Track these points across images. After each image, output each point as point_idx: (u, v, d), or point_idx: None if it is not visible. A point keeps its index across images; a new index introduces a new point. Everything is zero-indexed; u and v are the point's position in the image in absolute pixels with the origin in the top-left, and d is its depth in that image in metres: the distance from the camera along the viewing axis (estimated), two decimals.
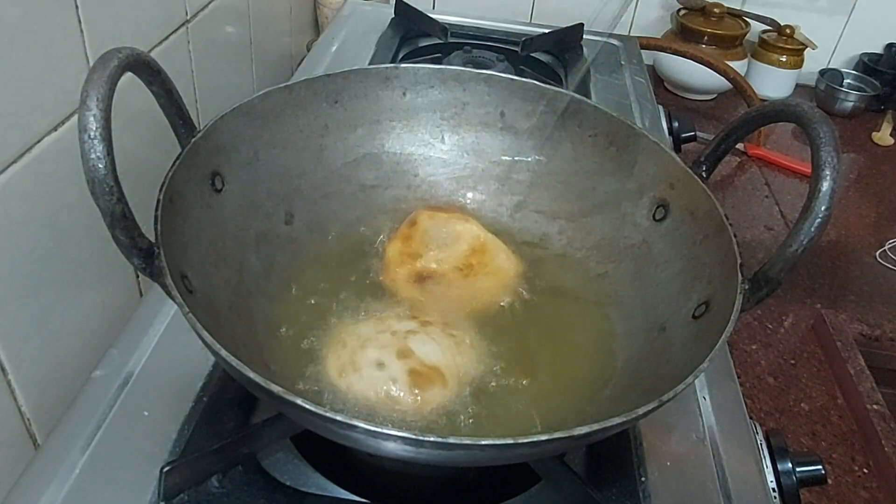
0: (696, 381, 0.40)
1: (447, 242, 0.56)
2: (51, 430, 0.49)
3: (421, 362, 0.47)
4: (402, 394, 0.45)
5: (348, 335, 0.49)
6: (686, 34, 1.32)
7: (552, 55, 1.08)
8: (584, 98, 0.60)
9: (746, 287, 0.44)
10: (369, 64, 0.97)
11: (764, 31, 1.36)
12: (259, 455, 0.48)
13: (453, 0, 1.35)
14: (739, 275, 0.44)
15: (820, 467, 0.55)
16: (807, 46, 1.34)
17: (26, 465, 0.47)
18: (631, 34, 1.26)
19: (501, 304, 0.55)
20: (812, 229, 0.40)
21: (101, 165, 0.35)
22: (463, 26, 1.10)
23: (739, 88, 1.22)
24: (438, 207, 0.60)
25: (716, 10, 1.31)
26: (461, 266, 0.55)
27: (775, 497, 0.53)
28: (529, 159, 0.63)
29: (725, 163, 1.15)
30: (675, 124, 0.97)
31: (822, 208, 0.40)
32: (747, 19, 1.34)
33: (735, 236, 0.47)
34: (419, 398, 0.45)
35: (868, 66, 1.37)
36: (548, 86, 0.60)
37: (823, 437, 0.74)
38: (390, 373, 0.46)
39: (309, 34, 1.26)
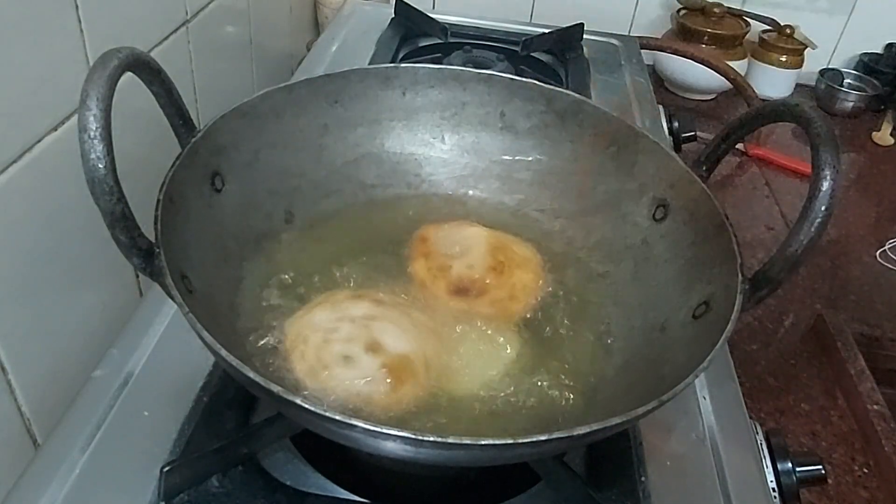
0: (696, 381, 0.40)
1: (467, 248, 0.56)
2: (51, 430, 0.49)
3: (390, 354, 0.46)
4: (380, 391, 0.44)
5: (306, 327, 0.48)
6: (686, 34, 1.32)
7: (552, 55, 1.08)
8: (585, 98, 0.60)
9: (747, 287, 0.44)
10: (369, 64, 0.97)
11: (764, 31, 1.36)
12: (259, 455, 0.48)
13: (453, 0, 1.35)
14: (740, 275, 0.44)
15: (820, 467, 0.55)
16: (807, 46, 1.34)
17: (26, 465, 0.47)
18: (631, 34, 1.26)
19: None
20: (812, 229, 0.40)
21: (101, 165, 0.35)
22: (463, 26, 1.10)
23: (739, 88, 1.22)
24: (438, 220, 0.59)
25: (716, 10, 1.31)
26: (494, 265, 0.55)
27: (775, 497, 0.53)
28: (530, 159, 0.63)
29: (725, 163, 1.15)
30: (675, 124, 0.97)
31: (822, 208, 0.40)
32: (747, 19, 1.34)
33: (735, 236, 0.47)
34: (397, 393, 0.45)
35: (868, 65, 1.37)
36: (548, 86, 0.60)
37: (823, 437, 0.74)
38: (363, 370, 0.45)
39: (309, 34, 1.26)
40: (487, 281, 0.54)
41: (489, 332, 0.51)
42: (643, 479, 0.50)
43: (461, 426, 0.45)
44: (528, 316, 0.54)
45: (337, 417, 0.34)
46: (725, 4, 1.32)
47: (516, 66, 1.01)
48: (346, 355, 0.46)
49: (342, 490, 0.48)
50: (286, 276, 0.54)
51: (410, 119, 0.62)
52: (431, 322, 0.51)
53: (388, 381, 0.45)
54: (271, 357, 0.48)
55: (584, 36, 1.10)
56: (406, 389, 0.45)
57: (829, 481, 0.69)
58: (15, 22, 0.47)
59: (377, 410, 0.44)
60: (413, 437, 0.33)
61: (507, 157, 0.63)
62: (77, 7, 0.54)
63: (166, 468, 0.44)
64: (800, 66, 1.36)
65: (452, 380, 0.48)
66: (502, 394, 0.48)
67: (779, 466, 0.54)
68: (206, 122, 0.49)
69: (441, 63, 0.97)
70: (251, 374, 0.35)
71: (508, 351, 0.51)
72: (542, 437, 0.34)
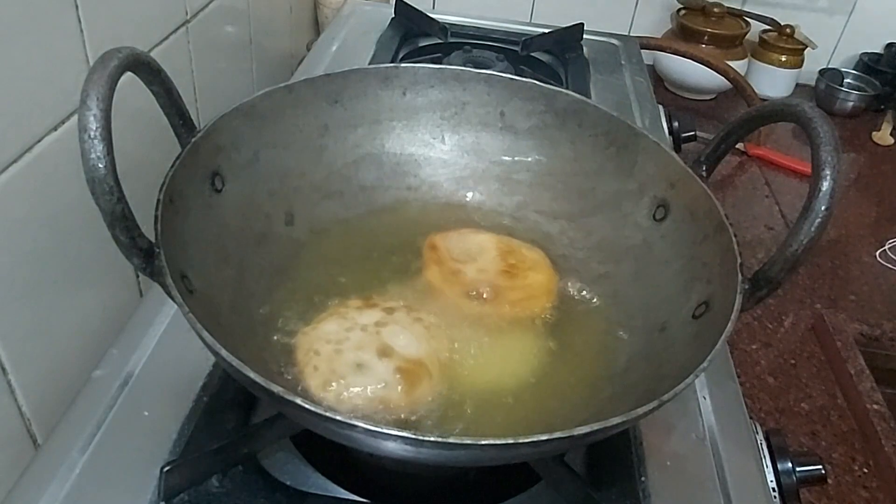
0: (696, 381, 0.40)
1: (477, 253, 0.56)
2: (51, 430, 0.49)
3: (403, 358, 0.46)
4: (395, 395, 0.45)
5: (316, 340, 0.48)
6: (686, 34, 1.32)
7: (552, 55, 1.08)
8: (585, 98, 0.60)
9: (746, 287, 0.44)
10: (369, 64, 0.97)
11: (764, 31, 1.36)
12: (259, 455, 0.48)
13: (453, 0, 1.35)
14: (739, 274, 0.44)
15: (820, 467, 0.55)
16: (807, 46, 1.34)
17: (26, 465, 0.47)
18: (631, 34, 1.26)
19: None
20: (812, 229, 0.40)
21: (101, 165, 0.35)
22: (463, 26, 1.10)
23: (739, 88, 1.22)
24: (444, 229, 0.60)
25: (716, 9, 1.31)
26: (506, 268, 0.55)
27: (775, 497, 0.53)
28: (529, 159, 0.62)
29: (725, 163, 1.15)
30: (675, 124, 0.97)
31: (822, 208, 0.40)
32: (747, 19, 1.34)
33: (735, 236, 0.47)
34: (412, 396, 0.45)
35: (868, 65, 1.37)
36: (548, 86, 0.60)
37: (823, 437, 0.74)
38: (378, 375, 0.45)
39: (309, 34, 1.26)
40: (503, 284, 0.54)
41: (501, 334, 0.52)
42: (643, 479, 0.50)
43: (467, 426, 0.46)
44: (531, 317, 0.54)
45: (337, 418, 0.34)
46: (725, 4, 1.32)
47: (516, 66, 1.01)
48: (359, 363, 0.46)
49: (342, 490, 0.48)
50: (286, 278, 0.54)
51: (410, 119, 0.62)
52: (444, 325, 0.51)
53: (402, 384, 0.45)
54: (272, 357, 0.48)
55: (584, 36, 1.10)
56: (421, 392, 0.45)
57: (829, 481, 0.69)
58: (15, 22, 0.47)
59: (394, 414, 0.44)
60: (413, 437, 0.33)
61: (506, 158, 0.63)
62: (77, 7, 0.54)
63: (166, 468, 0.44)
64: (800, 66, 1.36)
65: (463, 382, 0.48)
66: (502, 393, 0.48)
67: (779, 466, 0.54)
68: (206, 122, 0.49)
69: (441, 63, 0.97)
70: (251, 375, 0.35)
71: (513, 352, 0.51)
72: (543, 437, 0.34)
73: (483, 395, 0.48)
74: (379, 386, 0.45)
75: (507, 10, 1.35)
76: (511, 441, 0.34)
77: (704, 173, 0.53)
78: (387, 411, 0.45)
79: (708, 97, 1.38)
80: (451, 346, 0.50)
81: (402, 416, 0.45)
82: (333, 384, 0.45)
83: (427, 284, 0.54)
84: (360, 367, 0.46)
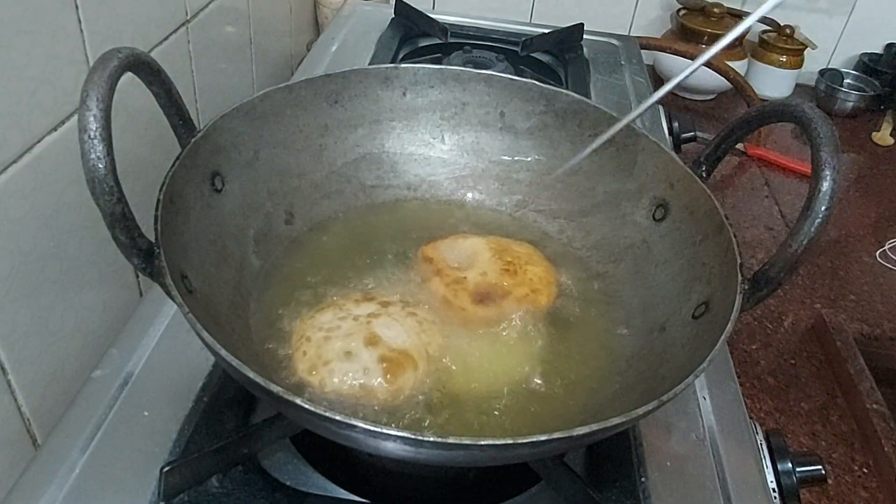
0: (696, 381, 0.40)
1: (472, 257, 0.56)
2: (51, 430, 0.49)
3: (389, 347, 0.47)
4: (376, 383, 0.45)
5: (310, 327, 0.48)
6: (686, 34, 1.32)
7: (552, 55, 1.08)
8: (585, 98, 0.60)
9: (746, 287, 0.44)
10: (369, 64, 0.97)
11: (764, 31, 1.36)
12: (259, 455, 0.48)
13: (453, 0, 1.35)
14: (739, 275, 0.44)
15: (820, 467, 0.55)
16: (807, 46, 1.34)
17: (26, 465, 0.47)
18: (631, 34, 1.26)
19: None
20: (812, 229, 0.40)
21: (101, 165, 0.35)
22: (463, 26, 1.10)
23: (739, 88, 1.22)
24: (443, 228, 0.60)
25: (716, 10, 1.31)
26: (505, 267, 0.55)
27: (775, 497, 0.53)
28: (529, 159, 0.63)
29: (725, 163, 1.15)
30: (675, 124, 0.97)
31: (822, 208, 0.40)
32: None
33: (735, 236, 0.47)
34: (394, 386, 0.45)
35: (868, 66, 1.37)
36: (548, 86, 0.60)
37: (823, 437, 0.74)
38: (361, 363, 0.46)
39: (309, 34, 1.26)
40: (507, 282, 0.54)
41: (498, 333, 0.52)
42: (643, 479, 0.50)
43: (461, 424, 0.46)
44: (537, 312, 0.54)
45: (337, 417, 0.34)
46: (725, 4, 1.32)
47: (516, 66, 1.01)
48: (347, 350, 0.46)
49: (342, 490, 0.48)
50: (286, 277, 0.54)
51: (410, 119, 0.62)
52: (439, 321, 0.51)
53: (386, 374, 0.45)
54: (272, 356, 0.48)
55: (584, 36, 1.10)
56: (403, 382, 0.45)
57: (829, 481, 0.69)
58: (15, 22, 0.47)
59: (375, 403, 0.45)
60: (413, 437, 0.33)
61: (506, 158, 0.63)
62: (77, 7, 0.54)
63: (166, 468, 0.44)
64: (800, 66, 1.36)
65: (455, 378, 0.48)
66: (503, 393, 0.48)
67: (779, 466, 0.54)
68: (206, 122, 0.49)
69: (441, 63, 0.97)
70: (251, 375, 0.35)
71: (511, 352, 0.51)
72: (542, 438, 0.34)
73: (481, 394, 0.48)
74: (360, 373, 0.45)
75: (507, 11, 1.35)
76: (510, 441, 0.34)
77: (704, 174, 0.53)
78: (369, 399, 0.45)
79: (708, 97, 1.38)
80: (445, 344, 0.50)
81: (385, 404, 0.45)
82: (319, 369, 0.45)
83: (433, 297, 0.54)
84: (347, 354, 0.46)
